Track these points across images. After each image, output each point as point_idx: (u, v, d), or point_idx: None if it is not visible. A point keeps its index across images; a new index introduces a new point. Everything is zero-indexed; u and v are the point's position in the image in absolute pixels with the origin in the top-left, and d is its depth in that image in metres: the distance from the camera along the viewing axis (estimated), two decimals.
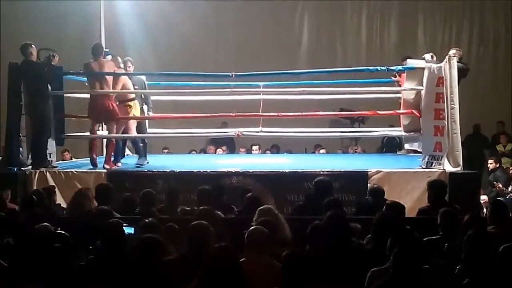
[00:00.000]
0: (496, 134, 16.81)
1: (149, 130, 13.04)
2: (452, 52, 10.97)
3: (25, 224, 6.62)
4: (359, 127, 15.88)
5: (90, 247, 6.43)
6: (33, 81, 10.84)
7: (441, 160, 10.30)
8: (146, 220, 6.67)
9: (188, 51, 17.43)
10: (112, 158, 11.39)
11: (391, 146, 14.75)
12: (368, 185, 9.86)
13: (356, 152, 15.77)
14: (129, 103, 11.55)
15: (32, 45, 10.95)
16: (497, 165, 14.01)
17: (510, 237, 6.15)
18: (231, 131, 11.93)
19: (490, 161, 14.33)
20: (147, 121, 12.15)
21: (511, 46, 18.26)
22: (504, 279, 4.92)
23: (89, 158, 11.41)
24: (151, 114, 12.22)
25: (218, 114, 11.50)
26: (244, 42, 17.91)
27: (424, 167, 10.53)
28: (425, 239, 6.43)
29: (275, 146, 16.27)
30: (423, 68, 10.78)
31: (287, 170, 10.68)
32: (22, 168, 10.74)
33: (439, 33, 18.53)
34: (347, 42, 18.73)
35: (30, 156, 10.92)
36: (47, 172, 10.70)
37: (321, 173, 10.00)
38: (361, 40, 18.71)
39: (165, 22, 17.62)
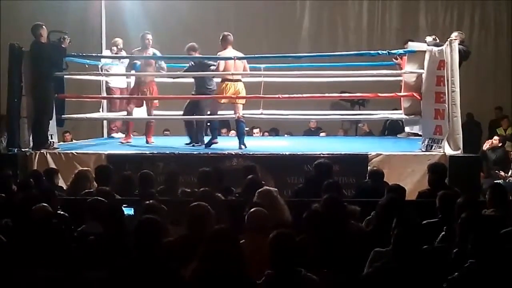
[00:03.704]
0: (495, 119, 16.77)
1: None
2: (454, 35, 10.96)
3: (23, 205, 6.61)
4: (359, 110, 15.89)
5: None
6: (40, 63, 10.90)
7: (441, 143, 10.29)
8: (147, 202, 6.68)
9: (189, 34, 17.26)
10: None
11: (394, 129, 14.72)
12: (368, 168, 9.86)
13: (363, 130, 15.95)
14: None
15: (43, 26, 11.01)
16: (499, 144, 13.94)
17: (510, 221, 6.18)
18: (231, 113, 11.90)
19: (495, 137, 14.20)
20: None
21: None
22: (505, 263, 4.92)
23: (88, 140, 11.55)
24: None
25: (218, 95, 11.47)
26: (245, 26, 17.82)
27: (424, 150, 10.54)
28: (424, 222, 6.45)
29: (274, 130, 16.28)
30: (424, 51, 10.75)
31: (287, 153, 10.70)
32: (22, 149, 10.77)
33: (440, 18, 18.47)
34: (349, 27, 18.67)
35: (31, 137, 10.94)
36: (47, 154, 10.71)
37: (321, 155, 10.00)
38: (362, 25, 18.64)
39: (165, 5, 17.55)
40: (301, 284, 4.89)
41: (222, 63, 11.40)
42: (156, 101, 12.42)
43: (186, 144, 11.92)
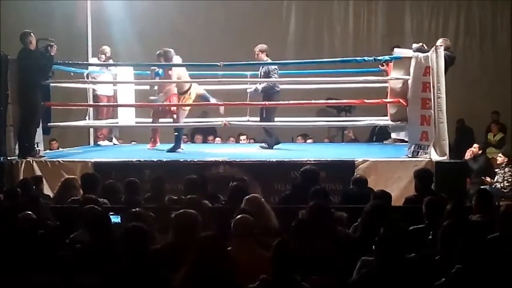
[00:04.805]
0: (491, 124, 16.82)
1: (136, 119, 13.11)
2: (439, 41, 10.99)
3: (9, 213, 6.60)
4: (345, 116, 15.91)
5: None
6: (29, 70, 10.85)
7: (427, 149, 10.31)
8: (133, 210, 6.67)
9: (176, 40, 17.28)
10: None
11: (382, 135, 14.72)
12: (355, 174, 9.87)
13: (348, 137, 16.01)
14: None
15: (31, 34, 10.98)
16: (480, 152, 13.90)
17: (496, 226, 6.20)
18: (218, 121, 11.92)
19: (474, 145, 14.12)
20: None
21: (498, 36, 18.35)
22: (491, 268, 4.93)
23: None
24: None
25: (205, 103, 11.50)
26: (233, 32, 17.85)
27: (410, 156, 10.54)
28: (410, 228, 6.46)
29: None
30: (410, 58, 10.77)
31: (274, 160, 10.70)
32: (8, 158, 10.73)
33: (426, 22, 18.54)
34: (335, 32, 18.72)
35: (17, 145, 10.91)
36: (34, 162, 10.67)
37: (308, 162, 10.01)
38: (349, 29, 18.71)
39: (153, 11, 17.55)
40: None
41: (175, 74, 11.91)
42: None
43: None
